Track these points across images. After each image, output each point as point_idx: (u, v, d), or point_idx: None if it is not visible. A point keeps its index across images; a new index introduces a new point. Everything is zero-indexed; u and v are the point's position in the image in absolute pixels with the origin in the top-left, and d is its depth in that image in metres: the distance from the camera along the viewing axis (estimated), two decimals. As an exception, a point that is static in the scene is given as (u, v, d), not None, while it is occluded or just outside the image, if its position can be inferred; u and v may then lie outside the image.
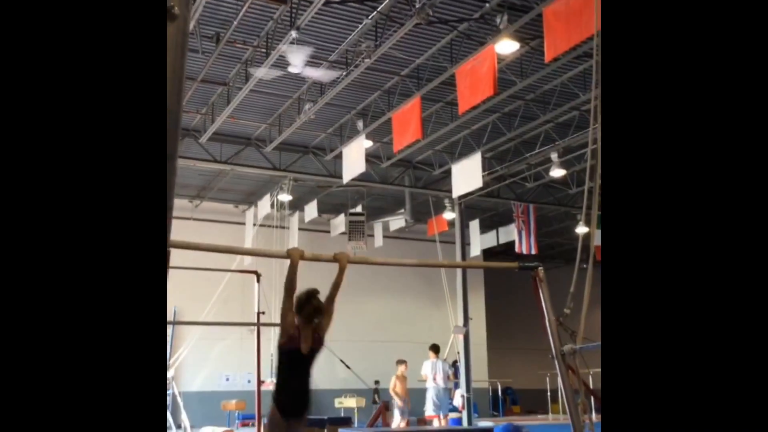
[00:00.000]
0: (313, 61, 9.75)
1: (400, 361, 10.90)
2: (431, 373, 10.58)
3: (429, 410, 10.41)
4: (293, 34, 8.63)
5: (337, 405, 14.02)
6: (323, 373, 16.44)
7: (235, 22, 8.91)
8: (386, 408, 8.16)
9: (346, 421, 7.30)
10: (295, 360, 3.61)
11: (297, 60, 9.02)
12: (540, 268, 3.56)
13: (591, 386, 4.16)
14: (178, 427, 11.50)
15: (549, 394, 16.78)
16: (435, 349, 10.75)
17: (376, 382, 17.56)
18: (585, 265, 3.85)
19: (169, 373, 10.77)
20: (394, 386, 10.44)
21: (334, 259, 3.78)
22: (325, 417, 6.93)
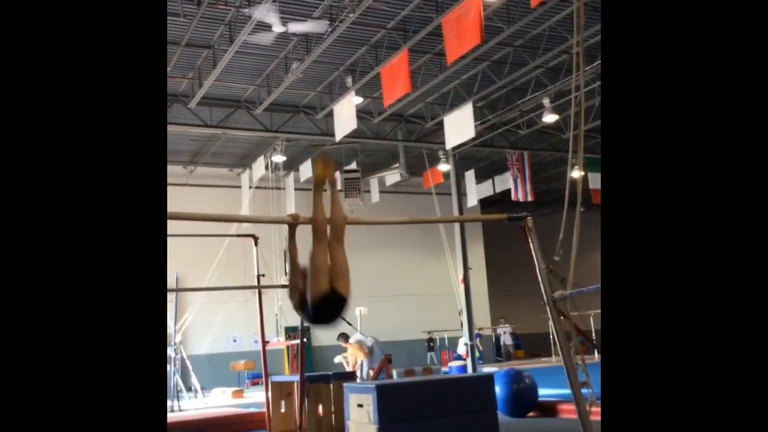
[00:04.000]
0: (297, 18, 9.61)
1: (343, 336, 10.86)
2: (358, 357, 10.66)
3: None
4: (275, -8, 8.49)
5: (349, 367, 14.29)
6: (327, 331, 16.71)
7: (216, -17, 8.76)
8: (389, 361, 8.33)
9: (351, 376, 7.47)
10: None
11: (272, 19, 8.85)
12: (529, 218, 3.60)
13: (582, 329, 4.27)
14: (189, 390, 11.76)
15: (551, 337, 17.08)
16: (345, 338, 10.83)
17: (429, 333, 17.84)
18: (583, 209, 3.90)
19: (177, 338, 10.95)
20: (355, 361, 10.48)
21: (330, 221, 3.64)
22: (330, 372, 7.09)
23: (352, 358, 10.75)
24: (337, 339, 10.91)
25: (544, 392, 8.00)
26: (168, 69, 11.47)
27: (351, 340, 10.68)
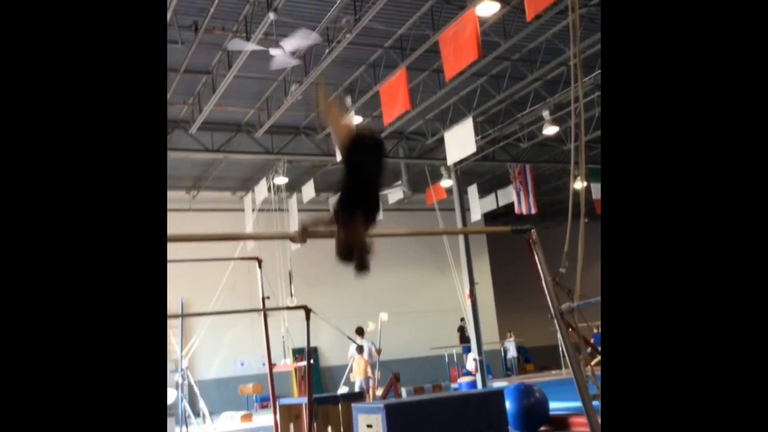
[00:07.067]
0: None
1: (359, 349, 11.08)
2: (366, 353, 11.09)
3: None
4: (271, 15, 8.56)
5: (352, 379, 14.20)
6: (334, 351, 16.66)
7: (212, 9, 8.83)
8: (397, 379, 8.28)
9: (360, 396, 7.40)
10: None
11: (291, 45, 8.78)
12: (532, 230, 3.58)
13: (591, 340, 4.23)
14: (197, 415, 11.67)
15: (561, 349, 16.94)
16: (360, 332, 11.25)
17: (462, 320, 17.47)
18: (587, 219, 3.87)
19: (184, 363, 10.88)
20: (357, 370, 10.80)
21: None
22: (338, 394, 7.03)
23: (354, 372, 11.03)
24: (356, 332, 11.23)
25: (555, 405, 7.91)
26: (168, 95, 11.55)
27: (364, 353, 10.96)
